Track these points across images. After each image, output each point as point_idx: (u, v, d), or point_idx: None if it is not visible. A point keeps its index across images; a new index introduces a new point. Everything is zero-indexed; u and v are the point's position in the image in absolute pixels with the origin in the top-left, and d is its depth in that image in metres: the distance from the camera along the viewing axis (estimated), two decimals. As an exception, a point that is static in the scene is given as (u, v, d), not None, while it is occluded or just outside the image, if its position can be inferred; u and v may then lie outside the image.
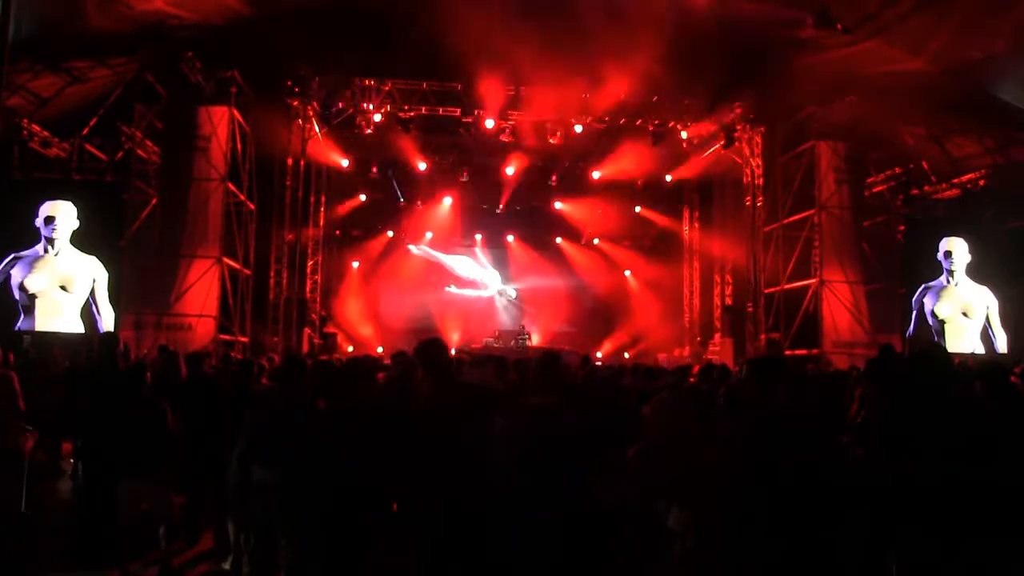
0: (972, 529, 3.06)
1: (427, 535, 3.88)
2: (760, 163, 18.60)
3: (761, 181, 18.63)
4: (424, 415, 4.16)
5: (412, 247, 23.23)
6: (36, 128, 14.55)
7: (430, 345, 4.53)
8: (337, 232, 22.52)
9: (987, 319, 15.39)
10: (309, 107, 17.57)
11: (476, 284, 23.64)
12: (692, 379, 7.39)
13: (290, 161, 17.73)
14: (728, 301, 21.70)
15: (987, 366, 4.46)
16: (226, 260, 15.28)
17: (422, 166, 20.89)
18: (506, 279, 23.96)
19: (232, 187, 15.67)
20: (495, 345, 20.22)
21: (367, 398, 4.77)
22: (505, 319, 23.44)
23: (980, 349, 14.96)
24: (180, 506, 6.50)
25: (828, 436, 3.62)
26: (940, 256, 15.94)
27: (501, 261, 24.05)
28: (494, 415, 3.88)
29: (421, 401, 4.37)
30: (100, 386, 5.97)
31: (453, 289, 23.54)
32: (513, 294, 23.68)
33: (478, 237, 23.92)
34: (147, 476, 5.66)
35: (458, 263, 23.57)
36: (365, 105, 17.41)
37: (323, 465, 4.16)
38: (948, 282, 15.62)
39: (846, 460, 3.37)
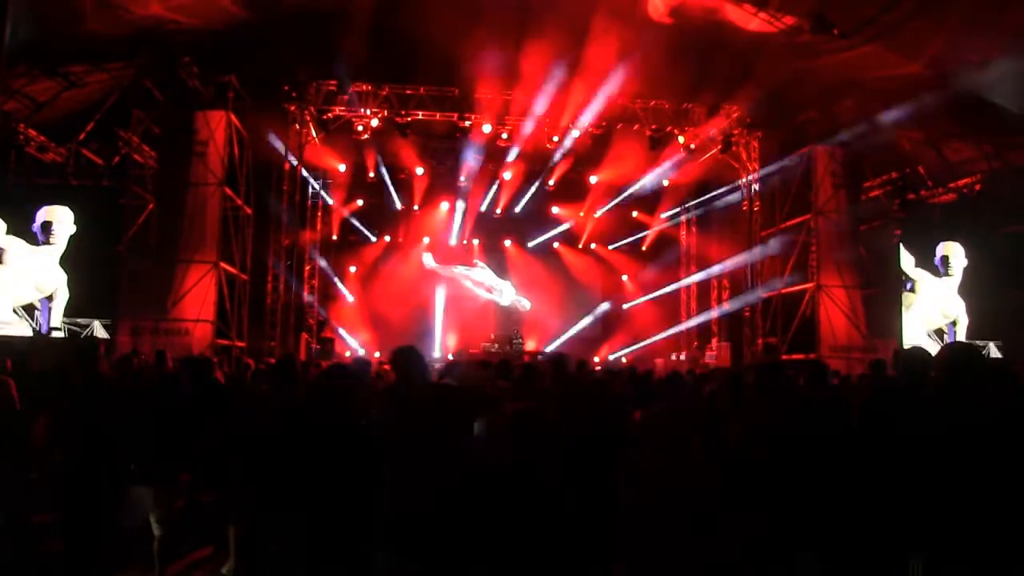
0: (998, 537, 3.03)
1: (416, 540, 3.87)
2: (757, 167, 18.64)
3: (758, 186, 18.67)
4: (400, 423, 4.13)
5: (428, 260, 23.25)
6: (33, 133, 14.54)
7: (405, 353, 4.47)
8: (334, 237, 22.49)
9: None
10: (306, 112, 17.55)
11: (491, 290, 23.65)
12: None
13: (287, 166, 17.72)
14: (725, 306, 21.72)
15: (993, 368, 4.37)
16: (223, 265, 15.25)
17: (419, 171, 20.88)
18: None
19: (229, 192, 15.66)
20: (492, 350, 20.21)
21: (357, 405, 4.74)
22: (502, 324, 23.40)
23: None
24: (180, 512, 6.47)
25: (833, 444, 3.61)
26: (937, 260, 16.01)
27: (499, 266, 24.03)
28: (475, 419, 3.87)
29: (398, 409, 4.33)
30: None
31: (470, 284, 23.56)
32: (528, 305, 23.69)
33: (475, 242, 23.91)
34: (151, 484, 5.63)
35: (474, 273, 23.58)
36: (362, 110, 17.41)
37: (315, 471, 4.13)
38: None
39: (853, 467, 3.35)
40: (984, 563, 3.06)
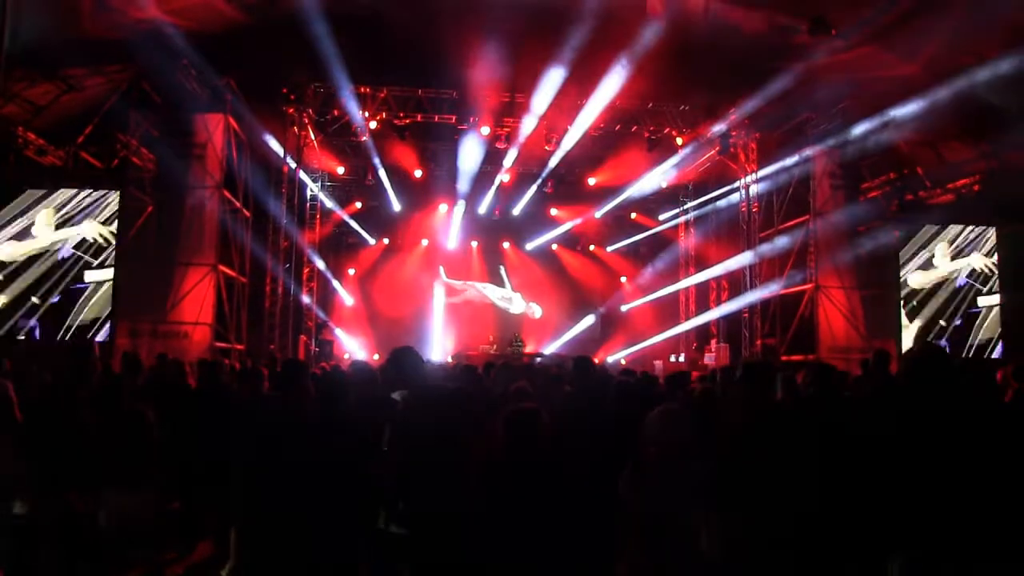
0: (980, 544, 3.03)
1: (416, 549, 3.85)
2: (755, 169, 18.66)
3: (757, 187, 18.69)
4: (402, 429, 4.09)
5: (440, 294, 23.40)
6: (32, 136, 14.52)
7: (403, 355, 4.36)
8: (333, 239, 22.50)
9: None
10: (305, 114, 17.57)
11: (502, 300, 23.77)
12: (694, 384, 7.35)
13: (286, 168, 17.73)
14: (724, 307, 21.71)
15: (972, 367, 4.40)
16: (222, 268, 15.25)
17: (418, 173, 20.90)
18: (502, 286, 23.94)
19: (228, 194, 15.67)
20: (491, 352, 20.19)
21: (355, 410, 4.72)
22: (501, 326, 23.40)
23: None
24: (175, 514, 6.44)
25: (827, 440, 3.62)
26: (936, 261, 16.04)
27: (497, 268, 24.04)
28: (475, 421, 3.85)
29: (398, 415, 4.29)
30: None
31: (483, 296, 23.71)
32: (539, 312, 23.76)
33: (474, 244, 23.91)
34: (129, 487, 5.58)
35: (488, 288, 23.68)
36: (361, 112, 17.42)
37: (314, 475, 4.11)
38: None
39: (847, 464, 3.35)
40: (968, 562, 3.07)
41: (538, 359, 19.58)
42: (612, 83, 15.86)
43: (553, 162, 19.62)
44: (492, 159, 20.00)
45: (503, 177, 20.94)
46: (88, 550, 5.41)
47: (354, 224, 22.64)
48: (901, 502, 3.20)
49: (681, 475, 3.65)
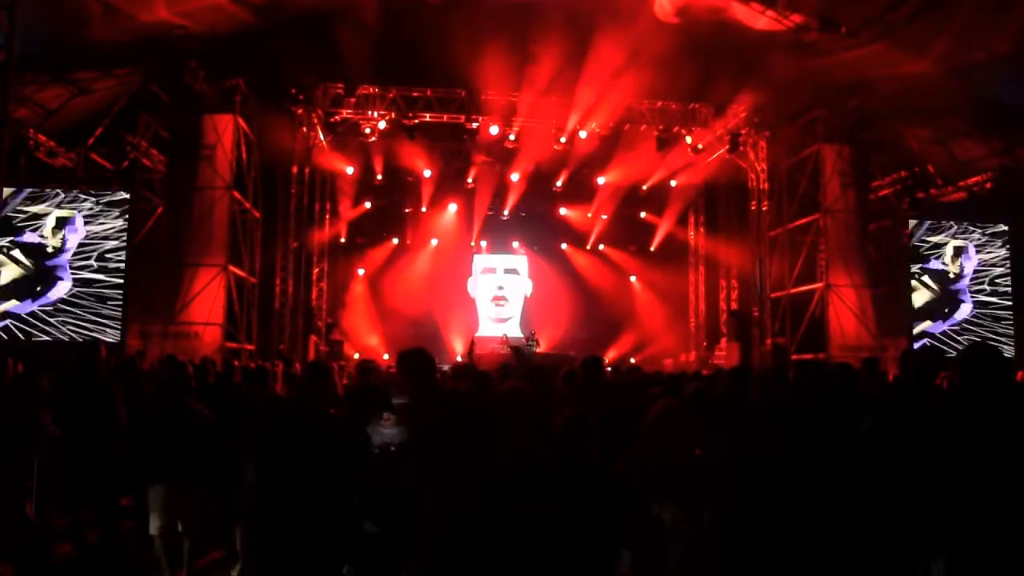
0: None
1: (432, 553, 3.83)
2: (765, 167, 18.58)
3: (766, 185, 18.61)
4: (413, 439, 4.03)
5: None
6: (42, 138, 14.61)
7: (412, 357, 4.10)
8: (342, 239, 22.53)
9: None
10: (313, 114, 17.60)
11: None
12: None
13: (295, 169, 17.77)
14: (734, 306, 21.64)
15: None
16: (232, 268, 15.30)
17: (427, 173, 20.90)
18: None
19: (237, 195, 15.71)
20: (502, 352, 20.16)
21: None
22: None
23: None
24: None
25: (831, 435, 3.60)
26: (947, 259, 15.95)
27: (505, 270, 24.02)
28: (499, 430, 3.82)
29: (411, 423, 4.22)
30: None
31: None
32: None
33: (483, 243, 23.90)
34: (176, 484, 5.62)
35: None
36: (369, 112, 17.44)
37: (327, 479, 4.09)
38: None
39: (851, 460, 3.34)
40: (1004, 563, 3.04)
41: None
42: (622, 82, 15.81)
43: (562, 161, 19.57)
44: (501, 158, 19.98)
45: (512, 176, 20.92)
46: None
47: (363, 224, 22.67)
48: (908, 504, 3.17)
49: (675, 473, 3.64)
